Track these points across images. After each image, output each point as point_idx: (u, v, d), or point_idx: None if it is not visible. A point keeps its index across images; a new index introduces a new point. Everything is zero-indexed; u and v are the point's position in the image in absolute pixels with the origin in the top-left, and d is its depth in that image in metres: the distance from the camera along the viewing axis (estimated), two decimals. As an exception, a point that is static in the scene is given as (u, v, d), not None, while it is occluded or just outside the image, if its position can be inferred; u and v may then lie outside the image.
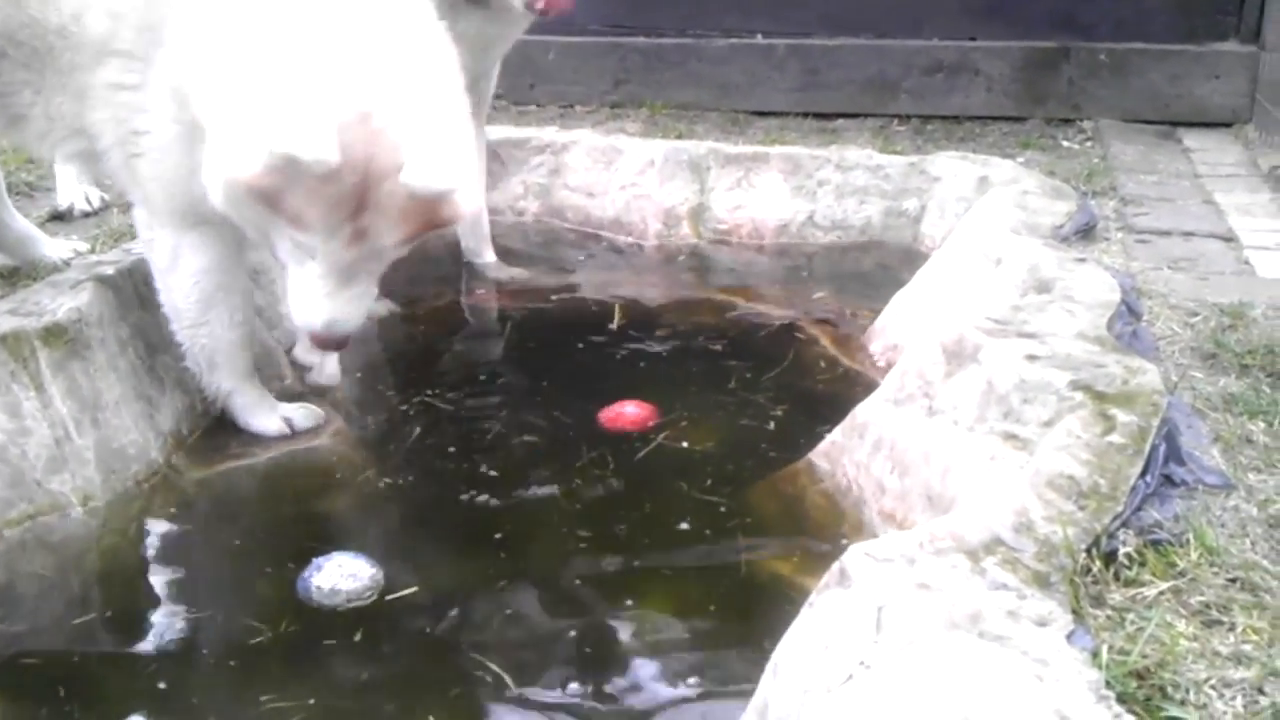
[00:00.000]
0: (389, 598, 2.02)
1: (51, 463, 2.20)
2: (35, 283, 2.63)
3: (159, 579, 2.13)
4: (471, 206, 2.11)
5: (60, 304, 2.36)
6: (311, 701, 1.78)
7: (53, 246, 3.07)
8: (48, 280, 2.58)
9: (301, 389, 2.73)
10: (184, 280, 2.39)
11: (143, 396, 2.41)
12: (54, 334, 2.27)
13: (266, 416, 2.55)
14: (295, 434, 2.55)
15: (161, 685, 1.83)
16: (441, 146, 1.95)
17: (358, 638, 1.93)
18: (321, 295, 2.08)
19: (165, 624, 2.00)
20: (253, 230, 2.15)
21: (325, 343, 2.21)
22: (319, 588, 2.00)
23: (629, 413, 2.65)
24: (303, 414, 2.58)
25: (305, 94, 1.89)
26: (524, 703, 1.78)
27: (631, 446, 2.53)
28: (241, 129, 1.93)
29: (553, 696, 1.80)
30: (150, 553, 2.20)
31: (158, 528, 2.26)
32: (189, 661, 1.91)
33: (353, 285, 2.10)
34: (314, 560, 2.06)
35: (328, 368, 2.74)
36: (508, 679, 1.82)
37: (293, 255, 2.09)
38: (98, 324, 2.37)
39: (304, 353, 2.76)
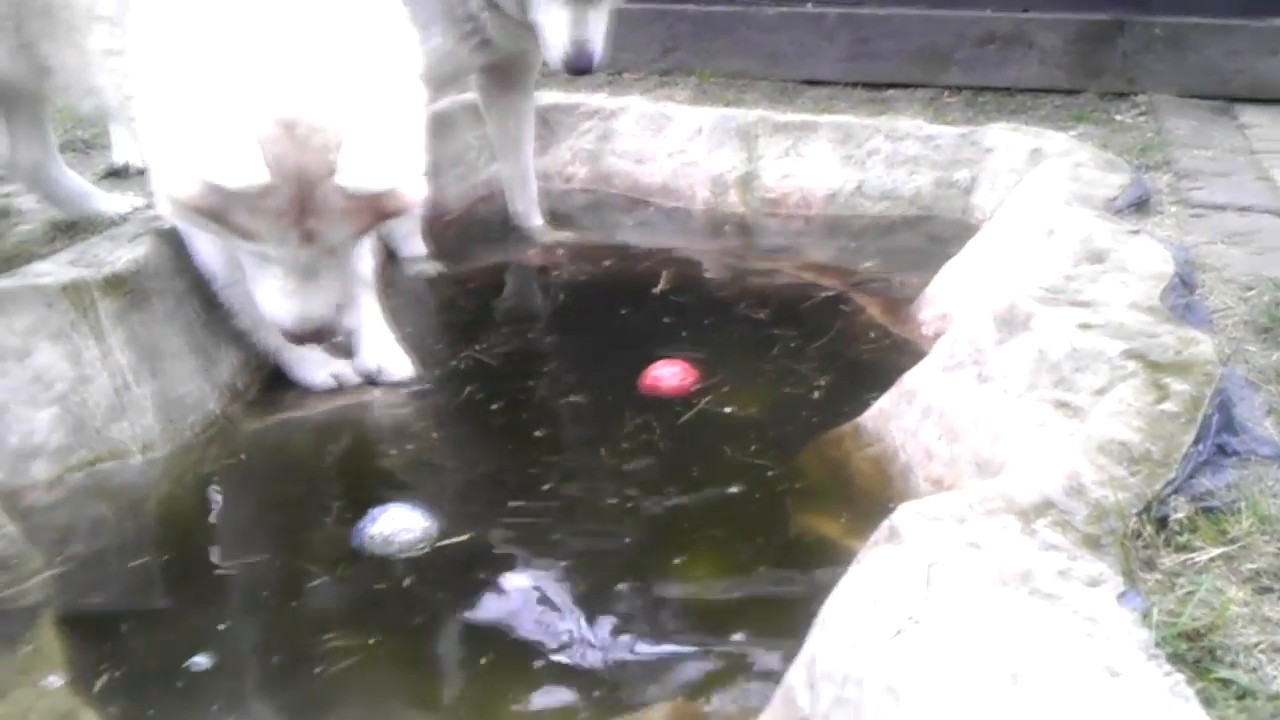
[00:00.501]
0: (442, 543, 2.06)
1: (111, 411, 2.25)
2: (94, 236, 2.67)
3: (216, 525, 2.17)
4: (417, 195, 2.07)
5: (120, 256, 2.40)
6: (372, 642, 1.82)
7: (108, 201, 3.13)
8: (107, 233, 2.63)
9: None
10: (204, 241, 2.43)
11: (200, 349, 2.46)
12: (114, 284, 2.32)
13: (313, 370, 2.59)
14: (343, 389, 2.59)
15: (221, 626, 1.87)
16: (375, 143, 1.93)
17: (407, 583, 1.97)
18: (286, 295, 2.12)
19: (224, 566, 2.05)
20: (209, 237, 2.20)
21: (301, 338, 2.23)
22: (373, 537, 2.04)
23: (669, 375, 2.65)
24: (396, 362, 2.65)
25: (226, 110, 1.86)
26: (573, 651, 1.81)
27: (674, 410, 2.54)
28: (171, 147, 1.94)
29: (599, 645, 1.82)
30: (207, 500, 2.24)
31: (214, 477, 2.31)
32: (249, 602, 1.96)
33: (316, 279, 2.12)
34: (369, 511, 2.09)
35: (395, 370, 2.69)
36: (559, 628, 1.85)
37: (251, 260, 2.13)
38: (156, 276, 2.41)
39: (362, 363, 2.69)
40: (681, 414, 2.53)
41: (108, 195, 3.15)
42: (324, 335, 2.25)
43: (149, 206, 2.62)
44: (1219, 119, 4.12)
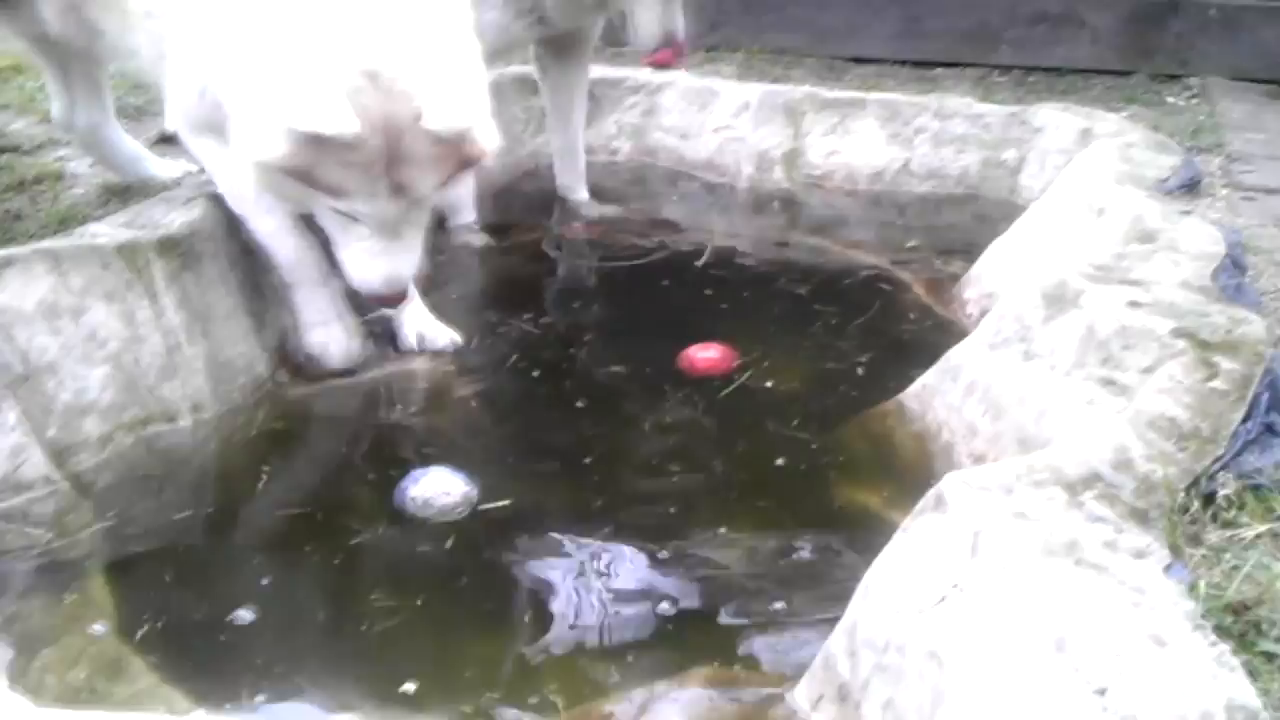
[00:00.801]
0: (483, 507, 2.07)
1: (163, 371, 2.28)
2: (148, 199, 2.70)
3: (263, 483, 2.19)
4: (493, 142, 2.13)
5: (174, 218, 2.43)
6: (419, 602, 1.85)
7: (161, 166, 3.16)
8: (161, 196, 2.66)
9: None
10: (221, 176, 2.45)
11: (251, 312, 2.48)
12: (168, 246, 2.34)
13: (310, 333, 2.52)
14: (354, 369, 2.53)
15: (265, 581, 1.90)
16: (455, 87, 2.02)
17: (449, 545, 1.99)
18: (375, 255, 2.16)
19: (269, 523, 2.09)
20: (294, 204, 2.22)
21: (387, 300, 2.28)
22: (414, 499, 2.06)
23: (706, 358, 2.63)
24: (435, 331, 2.65)
25: (311, 64, 1.93)
26: (614, 615, 1.83)
27: (714, 385, 2.54)
28: (258, 109, 1.99)
29: (637, 611, 1.84)
30: (254, 459, 2.26)
31: (262, 437, 2.34)
32: (293, 558, 1.99)
33: (402, 239, 2.17)
34: (411, 472, 2.11)
35: (436, 338, 2.67)
36: (597, 594, 1.87)
37: (337, 223, 2.16)
38: (210, 239, 2.44)
39: (404, 338, 2.67)
40: (722, 389, 2.54)
41: (160, 160, 3.19)
42: (402, 298, 2.31)
43: (201, 171, 2.64)
44: (1272, 103, 4.06)
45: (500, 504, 2.09)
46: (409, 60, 1.99)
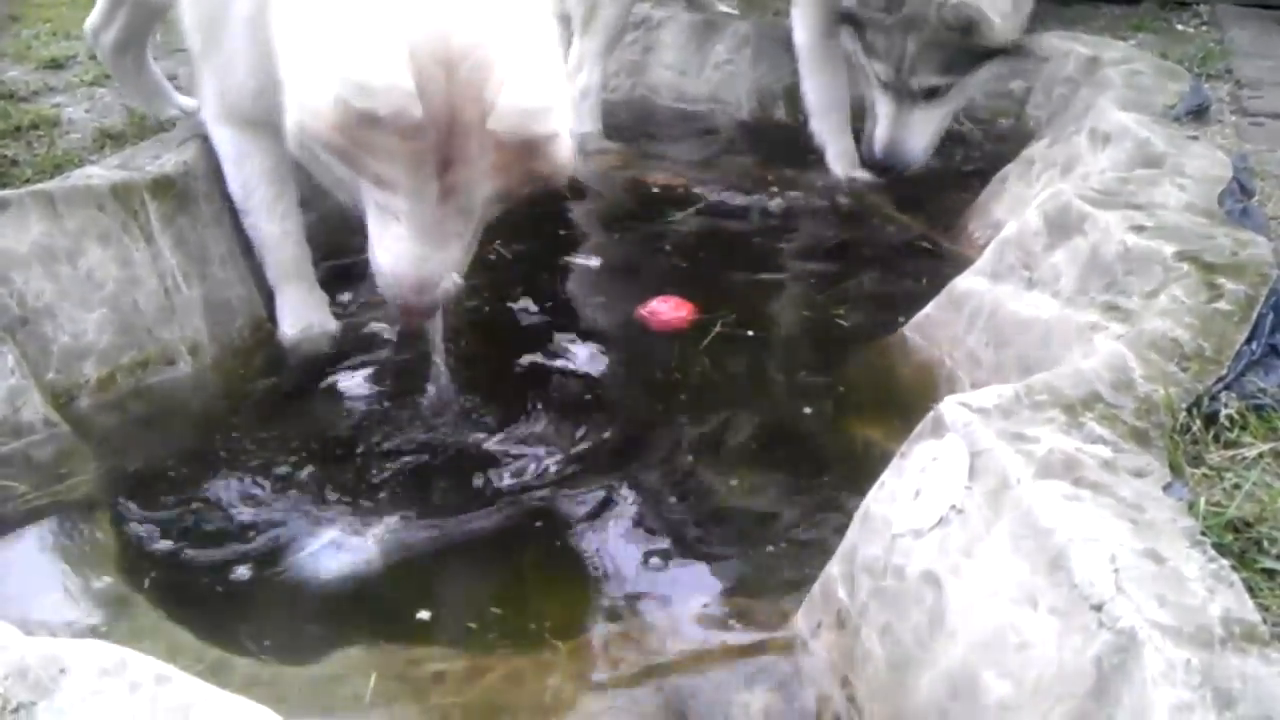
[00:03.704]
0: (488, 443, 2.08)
1: (160, 312, 2.27)
2: (142, 142, 2.68)
3: (260, 424, 2.18)
4: (567, 160, 1.78)
5: (167, 159, 2.41)
6: (431, 533, 1.86)
7: (182, 103, 3.18)
8: (155, 138, 2.65)
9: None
10: (233, 171, 2.39)
11: (248, 253, 2.46)
12: (162, 186, 2.33)
13: (291, 319, 2.47)
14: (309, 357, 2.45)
15: (265, 517, 1.91)
16: (531, 89, 1.66)
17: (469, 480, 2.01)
18: (410, 259, 1.83)
19: (269, 460, 2.08)
20: (334, 187, 1.99)
21: (414, 308, 1.93)
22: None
23: (666, 309, 2.58)
24: None
25: (377, 32, 1.62)
26: (619, 550, 1.85)
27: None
28: (311, 69, 1.72)
29: (644, 548, 1.85)
30: (254, 403, 2.26)
31: (260, 377, 2.34)
32: (293, 505, 1.97)
33: (443, 249, 1.84)
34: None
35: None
36: (602, 530, 1.89)
37: (376, 215, 1.85)
38: (204, 179, 2.42)
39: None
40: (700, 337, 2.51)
41: (186, 99, 3.18)
42: (430, 314, 2.01)
43: (197, 110, 2.63)
44: (1282, 28, 4.00)
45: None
46: (486, 48, 1.67)
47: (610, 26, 3.60)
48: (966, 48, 2.86)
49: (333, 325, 2.50)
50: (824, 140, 3.43)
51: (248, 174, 2.36)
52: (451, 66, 1.64)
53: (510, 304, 2.66)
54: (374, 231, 1.86)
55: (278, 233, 2.41)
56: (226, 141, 2.37)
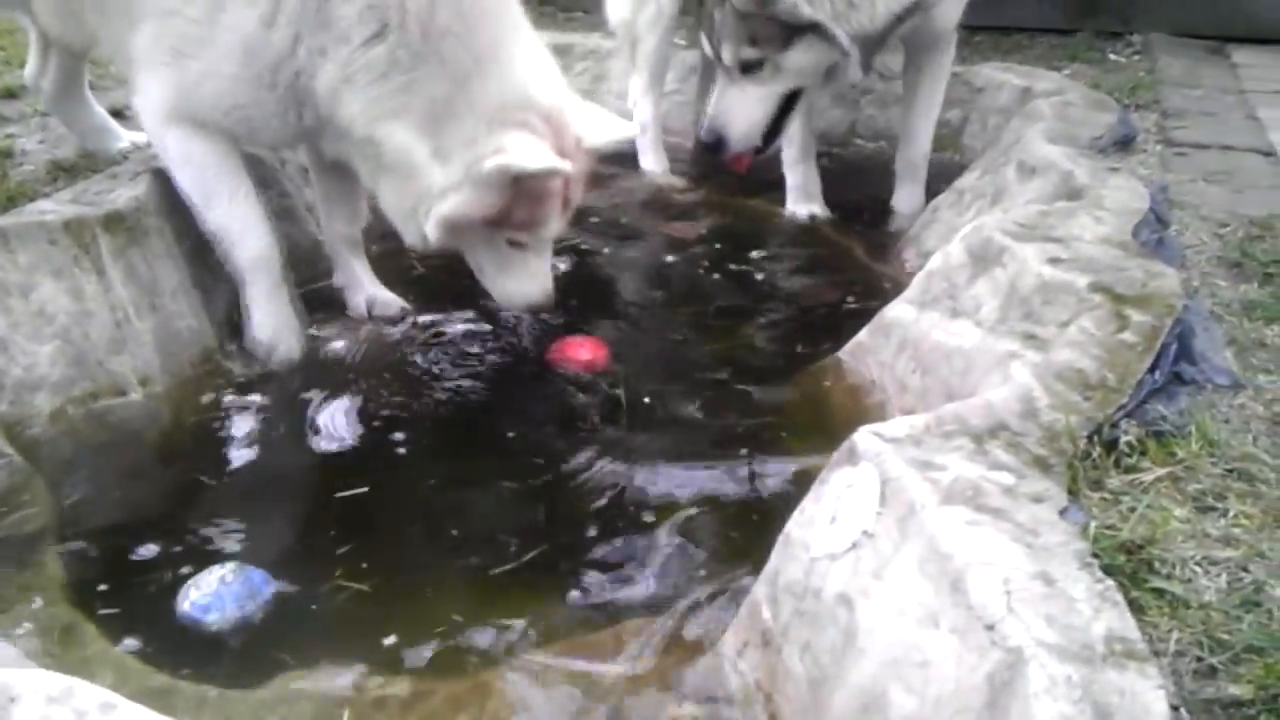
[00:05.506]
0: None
1: (112, 344, 2.31)
2: (95, 175, 2.73)
3: (211, 452, 2.24)
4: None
5: (120, 193, 2.46)
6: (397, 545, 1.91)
7: (126, 138, 3.20)
8: (107, 172, 2.69)
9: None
10: (187, 171, 2.44)
11: (198, 285, 2.52)
12: (114, 221, 2.38)
13: (262, 322, 2.54)
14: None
15: (217, 549, 1.96)
16: (588, 110, 2.35)
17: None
18: (535, 276, 2.43)
19: (222, 492, 2.12)
20: (456, 247, 2.38)
21: (543, 308, 2.53)
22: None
23: (579, 350, 2.64)
24: (384, 301, 2.79)
25: (506, 119, 2.18)
26: (569, 579, 1.91)
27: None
28: (457, 172, 2.19)
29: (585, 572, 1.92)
30: (204, 432, 2.31)
31: (211, 409, 2.38)
32: (250, 534, 2.02)
33: (547, 258, 2.46)
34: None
35: (389, 304, 2.81)
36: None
37: (501, 253, 2.39)
38: (156, 213, 2.47)
39: (357, 306, 2.81)
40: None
41: (126, 132, 3.21)
42: (555, 306, 2.54)
43: (148, 145, 2.67)
44: (1211, 59, 4.13)
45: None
46: (555, 93, 2.28)
47: (651, 61, 3.74)
48: (770, 18, 2.85)
49: (298, 348, 2.56)
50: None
51: (202, 170, 2.41)
52: (553, 123, 2.23)
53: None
54: (500, 265, 2.41)
55: (240, 224, 2.45)
56: (175, 141, 2.39)
